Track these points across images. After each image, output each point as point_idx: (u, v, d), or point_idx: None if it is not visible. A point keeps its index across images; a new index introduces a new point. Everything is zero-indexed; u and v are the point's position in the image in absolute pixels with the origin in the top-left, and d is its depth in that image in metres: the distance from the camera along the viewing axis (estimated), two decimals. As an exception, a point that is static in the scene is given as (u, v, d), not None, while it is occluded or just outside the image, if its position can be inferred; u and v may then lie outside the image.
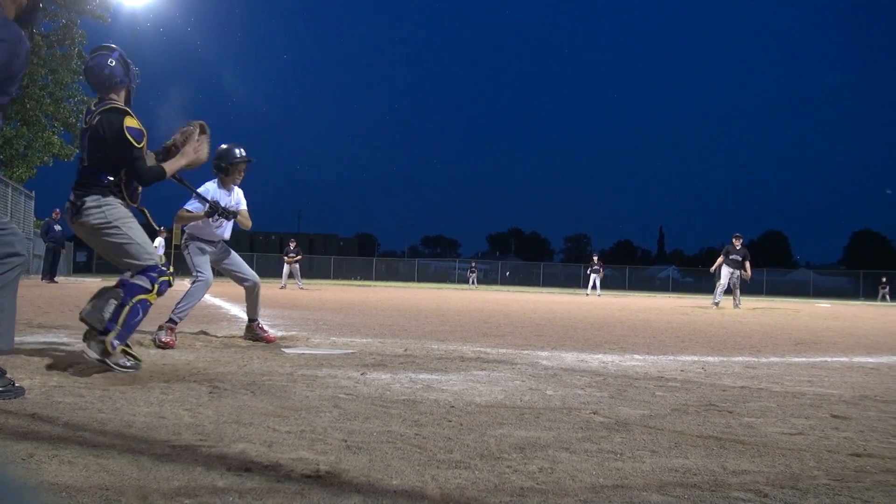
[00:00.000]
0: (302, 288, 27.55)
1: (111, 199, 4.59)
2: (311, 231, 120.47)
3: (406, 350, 6.09)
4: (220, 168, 6.67)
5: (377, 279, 65.69)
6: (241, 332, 6.74)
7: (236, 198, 6.78)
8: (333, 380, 4.29)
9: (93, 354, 4.25)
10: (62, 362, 4.51)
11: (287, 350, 5.83)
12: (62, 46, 29.49)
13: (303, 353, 5.64)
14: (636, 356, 6.34)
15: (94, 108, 4.69)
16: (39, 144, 29.63)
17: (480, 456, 2.58)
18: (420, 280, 68.35)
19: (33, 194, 29.57)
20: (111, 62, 4.64)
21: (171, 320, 6.10)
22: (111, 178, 4.60)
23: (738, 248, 21.31)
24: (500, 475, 2.35)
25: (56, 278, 23.15)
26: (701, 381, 4.82)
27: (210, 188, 6.59)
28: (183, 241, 6.63)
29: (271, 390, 3.82)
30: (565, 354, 6.24)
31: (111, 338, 4.27)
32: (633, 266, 79.92)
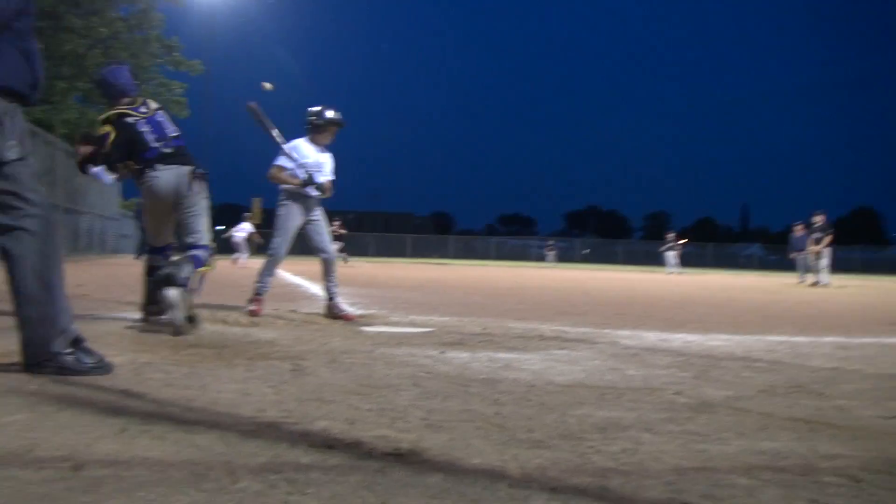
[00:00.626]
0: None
1: None
2: (388, 210, 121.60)
3: (485, 329, 6.08)
4: (314, 125, 6.80)
5: (454, 257, 65.87)
6: (322, 311, 6.84)
7: (325, 159, 6.87)
8: (413, 358, 4.31)
9: (179, 315, 4.80)
10: (151, 339, 4.66)
11: (366, 328, 5.89)
12: (141, 30, 30.30)
13: (382, 332, 5.69)
14: (720, 336, 6.20)
15: (138, 106, 5.47)
16: (119, 127, 30.53)
17: (561, 436, 2.55)
18: (497, 258, 68.24)
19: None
20: (123, 74, 5.49)
21: (256, 292, 6.58)
22: None
23: (818, 224, 20.73)
24: (581, 455, 2.32)
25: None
26: (789, 362, 4.68)
27: (300, 145, 6.74)
28: (280, 197, 6.79)
29: (352, 368, 3.86)
30: (646, 334, 6.14)
31: (192, 298, 4.98)
32: (715, 243, 77.97)
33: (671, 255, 34.98)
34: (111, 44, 28.92)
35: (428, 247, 70.97)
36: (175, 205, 5.36)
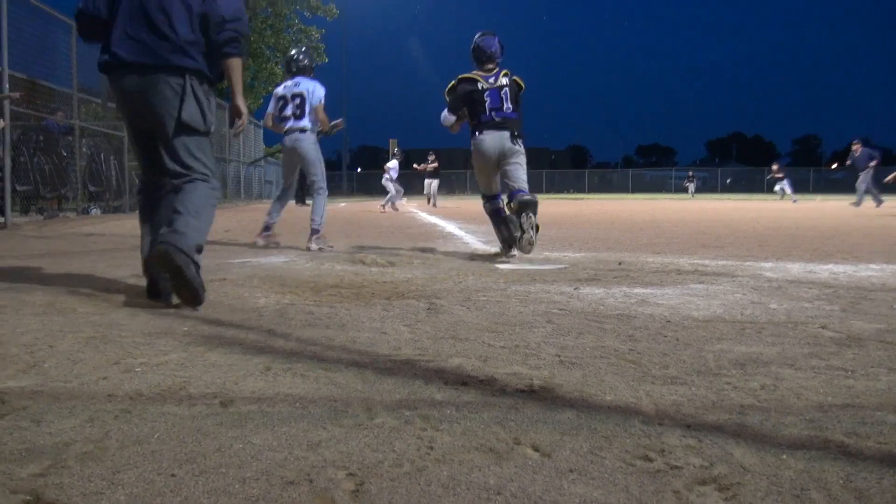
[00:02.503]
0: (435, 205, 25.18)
1: None
2: (524, 145, 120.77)
3: (620, 264, 5.99)
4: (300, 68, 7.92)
5: (590, 191, 64.93)
6: (456, 250, 6.90)
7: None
8: (546, 295, 4.30)
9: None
10: (294, 281, 4.85)
11: (500, 266, 5.92)
12: (280, -22, 30.94)
13: (516, 269, 5.70)
14: (872, 266, 5.86)
15: (490, 75, 6.46)
16: (264, 76, 31.53)
17: (697, 372, 2.50)
18: (635, 191, 66.82)
19: (261, 124, 31.67)
20: (492, 44, 6.47)
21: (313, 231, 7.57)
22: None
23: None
24: (718, 392, 2.26)
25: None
26: (950, 293, 4.37)
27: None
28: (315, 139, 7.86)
29: (486, 306, 3.90)
30: (791, 265, 5.88)
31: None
32: (870, 167, 72.92)
33: (787, 183, 33.27)
34: (252, -8, 29.72)
35: (564, 181, 70.28)
36: (497, 162, 6.33)
